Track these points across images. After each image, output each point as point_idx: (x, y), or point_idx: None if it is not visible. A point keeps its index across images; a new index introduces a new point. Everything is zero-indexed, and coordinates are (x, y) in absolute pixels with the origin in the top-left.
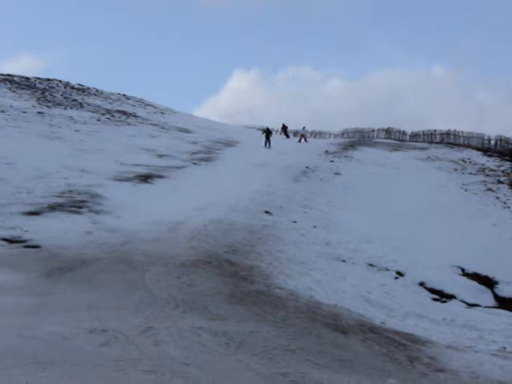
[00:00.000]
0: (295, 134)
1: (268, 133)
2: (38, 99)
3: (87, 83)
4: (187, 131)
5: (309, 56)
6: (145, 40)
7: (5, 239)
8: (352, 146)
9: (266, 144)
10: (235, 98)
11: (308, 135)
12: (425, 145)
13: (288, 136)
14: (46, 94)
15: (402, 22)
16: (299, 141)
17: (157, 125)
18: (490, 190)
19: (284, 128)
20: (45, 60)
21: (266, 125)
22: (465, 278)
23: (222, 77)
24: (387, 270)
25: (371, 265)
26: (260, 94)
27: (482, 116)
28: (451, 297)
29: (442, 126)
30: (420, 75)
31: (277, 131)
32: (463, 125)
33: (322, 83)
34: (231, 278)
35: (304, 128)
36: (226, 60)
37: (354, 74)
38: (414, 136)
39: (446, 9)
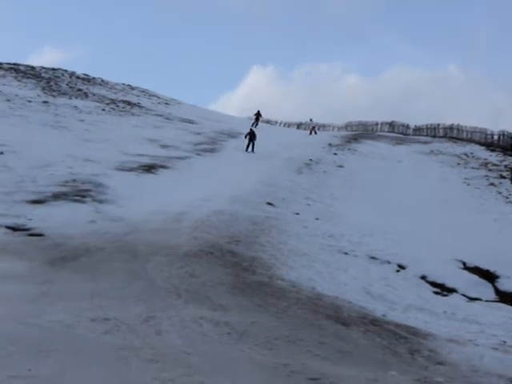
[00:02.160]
0: (298, 126)
1: (252, 135)
2: (43, 88)
3: (108, 77)
4: (191, 122)
5: (324, 52)
6: (164, 36)
7: (9, 227)
8: (355, 139)
9: (247, 148)
10: (251, 94)
11: (316, 127)
12: (428, 139)
13: (257, 124)
14: (51, 83)
15: (415, 19)
16: (310, 133)
17: (161, 115)
18: (492, 184)
19: (257, 115)
20: (67, 53)
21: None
22: (466, 272)
23: (239, 73)
24: (389, 262)
25: (373, 257)
26: (276, 90)
27: (498, 114)
28: (452, 290)
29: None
30: (434, 72)
31: (276, 122)
32: (477, 122)
33: (337, 80)
34: (233, 268)
35: (311, 120)
36: (244, 56)
37: (369, 70)
38: (418, 130)
39: (459, 5)
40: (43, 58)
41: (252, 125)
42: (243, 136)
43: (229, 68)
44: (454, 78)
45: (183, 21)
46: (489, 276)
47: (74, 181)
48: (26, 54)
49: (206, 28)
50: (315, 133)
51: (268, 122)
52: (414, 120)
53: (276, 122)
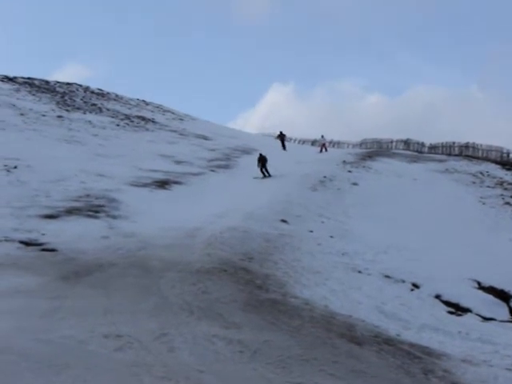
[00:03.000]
0: (313, 143)
1: (282, 137)
2: (58, 103)
3: (127, 93)
4: (205, 138)
5: (345, 71)
6: (184, 55)
7: (22, 242)
8: (370, 156)
9: (263, 174)
10: (271, 112)
11: (327, 144)
12: (443, 157)
13: (284, 147)
14: (66, 97)
15: (436, 39)
16: (320, 151)
17: (175, 131)
18: (507, 203)
19: (281, 136)
20: (90, 69)
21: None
22: (481, 292)
23: (259, 91)
24: (403, 281)
25: (387, 276)
26: (296, 108)
27: None
28: (467, 310)
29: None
30: (456, 92)
31: (290, 139)
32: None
33: (358, 98)
34: (246, 285)
35: (323, 137)
36: (264, 74)
37: (391, 89)
38: (433, 148)
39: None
40: (65, 73)
41: (283, 147)
42: (255, 159)
43: (249, 86)
44: (475, 97)
45: (204, 36)
46: (504, 296)
47: (88, 196)
48: (49, 69)
49: (227, 46)
50: (325, 150)
51: (284, 136)
52: (435, 139)
53: (290, 139)
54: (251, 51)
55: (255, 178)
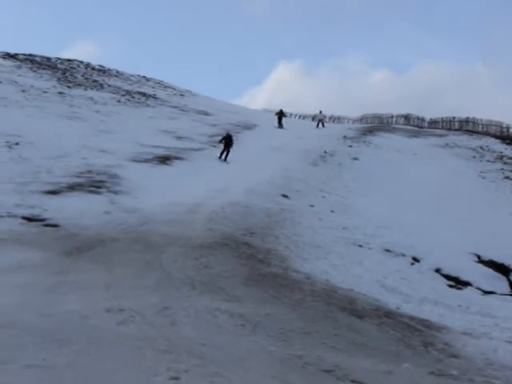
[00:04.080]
0: (313, 118)
1: (281, 114)
2: (59, 79)
3: (140, 71)
4: (206, 114)
5: (351, 48)
6: (193, 34)
7: (24, 217)
8: (370, 131)
9: (221, 155)
10: (278, 89)
11: (326, 120)
12: (443, 132)
13: (281, 125)
14: (67, 74)
15: (442, 14)
16: (317, 126)
17: (176, 107)
18: (507, 178)
19: (280, 113)
20: (101, 47)
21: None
22: (481, 265)
23: (266, 69)
24: (403, 255)
25: (388, 250)
26: (303, 85)
27: None
28: (467, 284)
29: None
30: (460, 67)
31: (291, 115)
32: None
33: (364, 75)
34: (248, 260)
35: (321, 112)
36: (270, 52)
37: (397, 66)
38: (433, 123)
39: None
40: (76, 51)
41: (279, 124)
42: (258, 131)
43: (256, 64)
44: (478, 72)
45: (211, 20)
46: (504, 269)
47: (89, 172)
48: (61, 47)
49: (233, 27)
50: (323, 125)
51: (283, 114)
52: (436, 114)
53: (291, 115)
54: (258, 30)
55: (220, 160)
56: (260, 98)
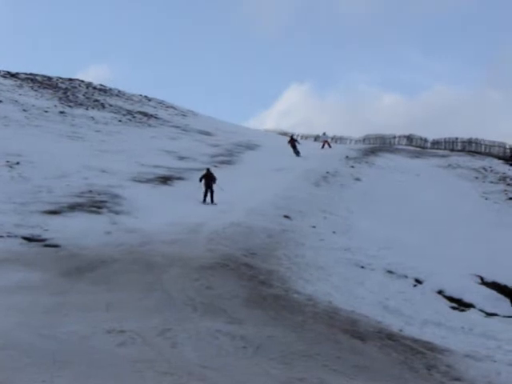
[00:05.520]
0: (316, 138)
1: (293, 141)
2: (60, 99)
3: (151, 93)
4: (208, 134)
5: (361, 71)
6: (203, 56)
7: (25, 238)
8: (373, 152)
9: (205, 198)
10: (287, 112)
11: (329, 140)
12: (446, 152)
13: (297, 152)
14: (68, 93)
15: (450, 38)
16: (322, 147)
17: (178, 127)
18: (510, 199)
19: (292, 141)
20: (112, 70)
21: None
22: (484, 287)
23: (277, 91)
24: (406, 277)
25: (390, 271)
26: (312, 108)
27: None
28: (470, 305)
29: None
30: (473, 93)
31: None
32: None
33: (374, 98)
34: (249, 281)
35: (325, 134)
36: (281, 75)
37: (408, 89)
38: (436, 143)
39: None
40: (88, 75)
41: (295, 153)
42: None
43: (266, 87)
44: (490, 97)
45: (222, 40)
46: (507, 291)
47: (90, 191)
48: (74, 70)
49: (244, 48)
50: (329, 146)
51: (285, 134)
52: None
53: (293, 135)
54: (269, 52)
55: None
56: (269, 121)
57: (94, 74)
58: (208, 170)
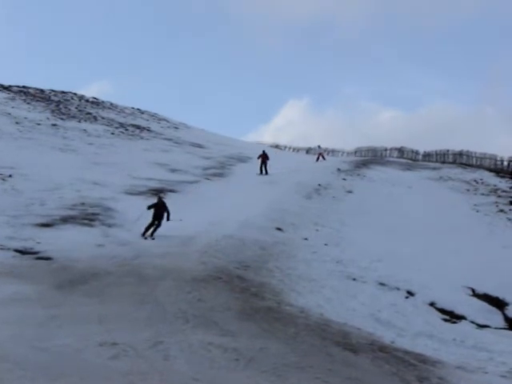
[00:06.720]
0: (307, 151)
1: (264, 158)
2: (53, 111)
3: (154, 109)
4: (200, 146)
5: (360, 86)
6: (200, 72)
7: (17, 250)
8: (364, 164)
9: (260, 171)
10: (285, 126)
11: (324, 153)
12: (437, 165)
13: (265, 171)
14: (61, 106)
15: (449, 54)
16: (317, 159)
17: (170, 139)
18: (501, 211)
19: (263, 156)
20: (117, 87)
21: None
22: (475, 299)
23: (275, 106)
24: (398, 289)
25: (382, 284)
26: (310, 122)
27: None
28: (461, 317)
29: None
30: (468, 107)
31: (284, 147)
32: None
33: (373, 113)
34: (242, 293)
35: (319, 147)
36: (279, 90)
37: (406, 105)
38: (427, 156)
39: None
40: (92, 90)
41: (260, 170)
42: (255, 164)
43: (265, 101)
44: (485, 112)
45: (221, 56)
46: (498, 303)
47: (83, 204)
48: (77, 86)
49: (242, 65)
50: (323, 158)
51: (277, 146)
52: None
53: (285, 147)
54: (269, 67)
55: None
56: (267, 135)
57: (96, 89)
58: (160, 198)
